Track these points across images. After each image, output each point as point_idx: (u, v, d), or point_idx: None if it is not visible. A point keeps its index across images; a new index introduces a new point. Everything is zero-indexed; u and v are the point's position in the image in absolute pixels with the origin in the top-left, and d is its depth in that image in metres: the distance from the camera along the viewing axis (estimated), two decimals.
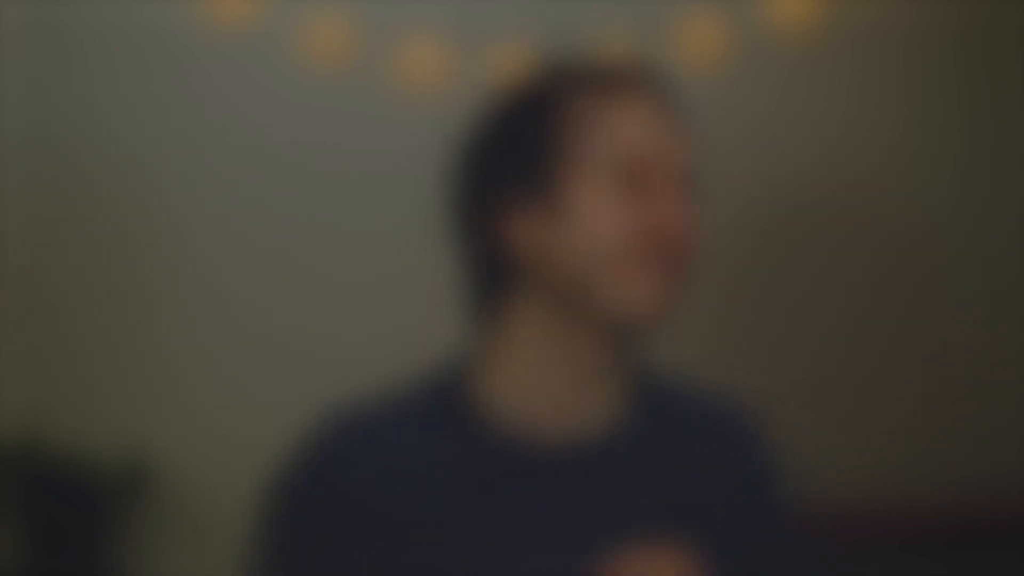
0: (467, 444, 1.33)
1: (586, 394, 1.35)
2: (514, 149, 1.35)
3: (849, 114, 3.02)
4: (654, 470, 1.36)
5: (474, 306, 1.39)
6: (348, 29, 2.86)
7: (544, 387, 1.34)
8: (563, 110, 1.33)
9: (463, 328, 1.41)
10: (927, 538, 2.83)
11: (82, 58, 2.90)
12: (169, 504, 2.87)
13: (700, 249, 1.34)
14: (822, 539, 1.49)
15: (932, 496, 2.94)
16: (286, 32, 2.86)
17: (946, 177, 3.05)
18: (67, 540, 2.72)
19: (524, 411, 1.34)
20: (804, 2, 2.85)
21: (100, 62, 2.90)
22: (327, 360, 2.85)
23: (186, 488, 2.88)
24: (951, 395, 3.03)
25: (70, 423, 2.81)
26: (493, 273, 1.37)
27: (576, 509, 1.33)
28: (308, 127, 2.92)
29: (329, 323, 2.92)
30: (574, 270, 1.31)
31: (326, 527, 1.32)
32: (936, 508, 2.90)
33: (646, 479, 1.36)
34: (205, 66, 2.91)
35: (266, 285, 2.92)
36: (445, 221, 1.40)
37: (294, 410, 1.45)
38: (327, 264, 2.94)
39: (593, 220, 1.31)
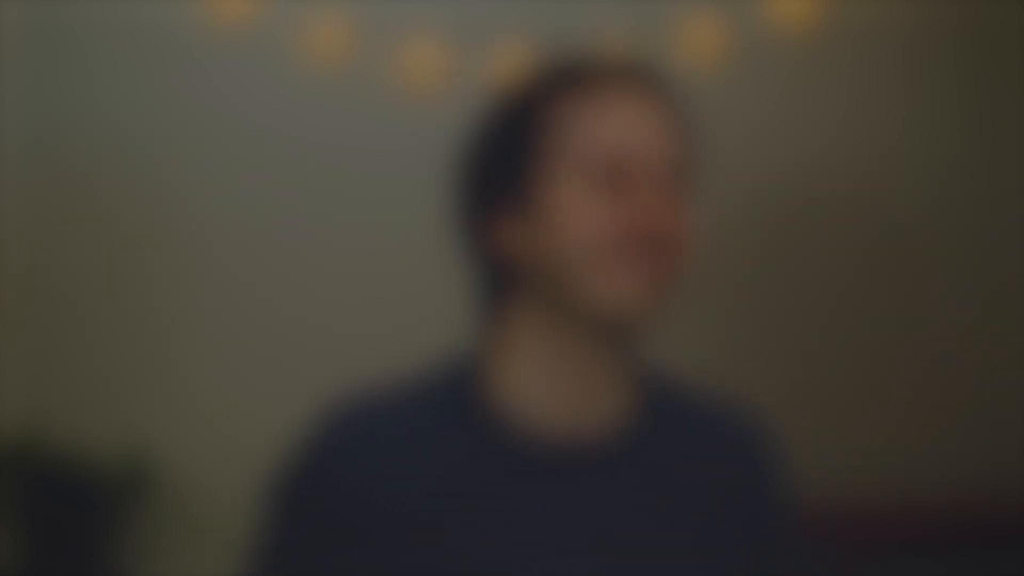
0: (471, 443, 1.33)
1: (589, 395, 1.35)
2: (500, 153, 1.36)
3: (849, 114, 3.02)
4: (657, 471, 1.36)
5: (479, 306, 1.40)
6: (348, 29, 2.86)
7: (547, 387, 1.34)
8: (546, 112, 1.33)
9: (466, 327, 1.41)
10: (927, 538, 2.83)
11: (82, 58, 2.90)
12: (169, 504, 2.87)
13: (691, 246, 1.33)
14: (822, 539, 1.49)
15: (932, 496, 2.94)
16: (286, 32, 2.86)
17: (946, 177, 3.05)
18: (67, 540, 2.72)
19: (527, 411, 1.34)
20: (804, 2, 2.85)
21: (100, 62, 2.90)
22: (327, 360, 2.84)
23: (186, 488, 2.88)
24: (951, 395, 3.03)
25: (70, 423, 2.81)
26: (492, 275, 1.38)
27: (579, 509, 1.33)
28: (308, 127, 2.92)
29: (329, 323, 2.92)
30: (558, 270, 1.32)
31: (329, 525, 1.32)
32: (936, 508, 2.90)
33: (649, 480, 1.36)
34: (205, 66, 2.91)
35: (266, 285, 2.92)
36: (446, 223, 1.40)
37: (295, 411, 1.45)
38: (327, 264, 2.94)
39: (571, 219, 1.31)
